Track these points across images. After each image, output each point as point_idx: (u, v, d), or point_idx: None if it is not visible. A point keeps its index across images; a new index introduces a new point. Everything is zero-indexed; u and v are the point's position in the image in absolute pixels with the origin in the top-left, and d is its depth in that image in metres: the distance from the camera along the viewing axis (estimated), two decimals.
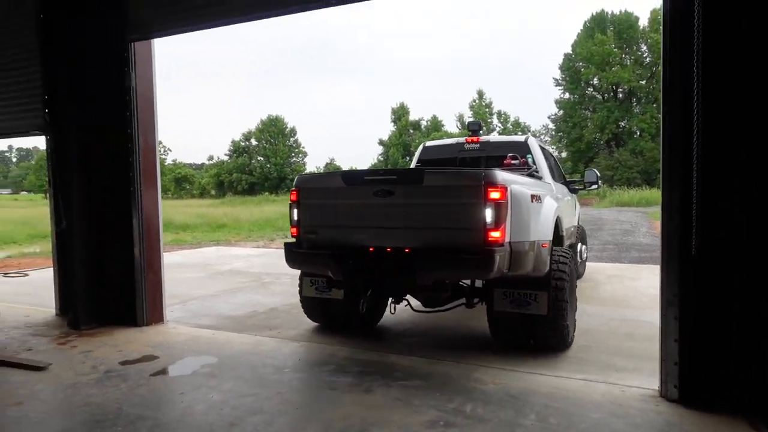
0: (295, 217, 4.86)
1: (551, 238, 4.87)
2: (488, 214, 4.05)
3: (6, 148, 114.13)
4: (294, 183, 4.96)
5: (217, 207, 36.29)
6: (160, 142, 6.31)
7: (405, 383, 4.09)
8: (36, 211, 33.77)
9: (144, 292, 5.88)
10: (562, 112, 52.52)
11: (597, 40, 48.30)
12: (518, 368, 4.34)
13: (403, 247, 4.37)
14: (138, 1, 5.66)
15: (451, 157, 7.09)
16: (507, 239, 4.13)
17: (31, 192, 75.71)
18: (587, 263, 9.34)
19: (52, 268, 6.67)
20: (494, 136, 9.25)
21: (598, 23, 50.25)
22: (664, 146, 3.69)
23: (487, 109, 54.53)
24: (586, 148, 49.21)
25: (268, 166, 61.85)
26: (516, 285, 4.56)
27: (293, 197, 4.89)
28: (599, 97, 51.40)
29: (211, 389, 4.00)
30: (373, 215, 4.52)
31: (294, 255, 4.89)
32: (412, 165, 7.46)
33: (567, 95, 52.35)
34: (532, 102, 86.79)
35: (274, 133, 63.49)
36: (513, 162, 6.18)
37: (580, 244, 8.33)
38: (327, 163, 61.41)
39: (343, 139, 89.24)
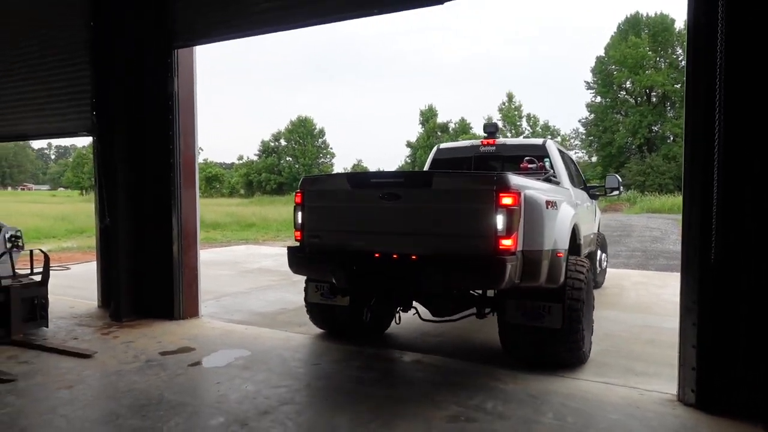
0: (300, 221, 4.71)
1: (567, 247, 4.57)
2: (500, 221, 3.86)
3: (45, 146, 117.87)
4: (299, 184, 4.83)
5: (246, 206, 36.99)
6: None
7: (428, 380, 4.28)
8: (73, 207, 34.96)
9: (181, 288, 6.18)
10: (593, 116, 51.79)
11: (631, 42, 47.53)
12: (538, 370, 4.45)
13: (410, 253, 4.18)
14: (183, 11, 5.98)
15: (466, 159, 6.88)
16: (519, 247, 3.97)
17: (68, 188, 78.19)
18: (610, 270, 9.33)
19: (91, 263, 7.06)
20: (511, 139, 8.90)
21: (632, 25, 49.46)
22: (686, 157, 3.79)
23: (516, 112, 54.16)
24: (618, 153, 48.45)
25: (297, 166, 62.58)
26: (529, 296, 4.31)
27: (298, 199, 4.74)
28: (632, 100, 50.57)
29: (245, 380, 4.25)
30: (379, 220, 4.37)
31: (297, 260, 4.73)
32: (426, 167, 7.26)
33: (599, 99, 51.64)
34: (563, 105, 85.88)
35: (303, 134, 64.24)
36: (530, 166, 6.05)
37: (599, 252, 8.10)
38: (354, 164, 61.89)
39: (372, 142, 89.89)
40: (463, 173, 5.53)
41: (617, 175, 8.12)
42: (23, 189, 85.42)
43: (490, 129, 7.08)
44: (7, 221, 6.23)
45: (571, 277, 4.42)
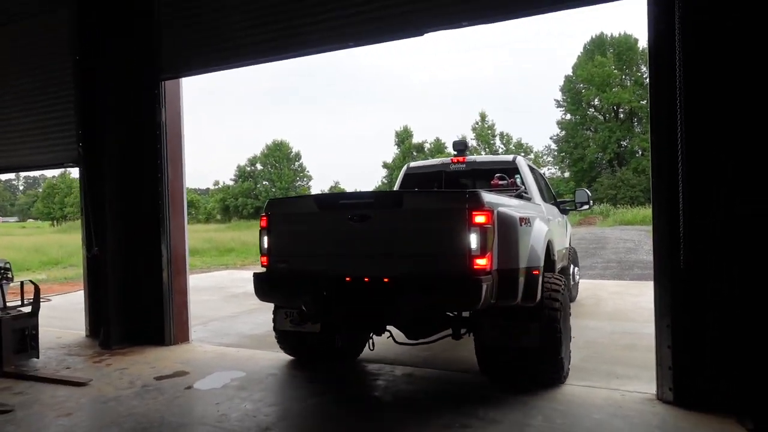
0: (266, 245, 4.54)
1: (542, 264, 4.44)
2: (473, 240, 3.77)
3: (13, 177, 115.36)
4: (264, 208, 4.68)
5: (224, 232, 36.80)
6: None
7: (420, 390, 4.47)
8: (45, 238, 34.33)
9: (171, 313, 6.26)
10: (564, 132, 53.19)
11: (597, 62, 49.25)
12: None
13: (382, 276, 4.03)
14: (170, 43, 6.17)
15: (437, 178, 6.78)
16: (495, 266, 3.88)
17: (38, 220, 76.56)
18: (589, 281, 9.66)
19: (71, 293, 7.07)
20: (481, 156, 8.67)
21: (597, 46, 51.31)
22: (653, 171, 4.11)
23: (489, 131, 55.19)
24: (589, 168, 49.74)
25: (273, 190, 62.50)
26: (505, 315, 4.19)
27: (263, 223, 4.58)
28: (600, 117, 52.11)
29: (243, 399, 4.35)
30: (348, 242, 4.20)
31: (264, 286, 4.54)
32: (396, 187, 7.13)
33: (568, 116, 53.09)
34: (535, 124, 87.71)
35: (279, 158, 64.32)
36: (501, 182, 5.98)
37: (572, 266, 8.11)
38: (332, 186, 62.09)
39: (349, 164, 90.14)
40: (434, 192, 5.43)
41: (587, 190, 8.18)
42: None
43: (460, 146, 6.95)
44: None
45: (547, 294, 4.32)
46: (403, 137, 59.27)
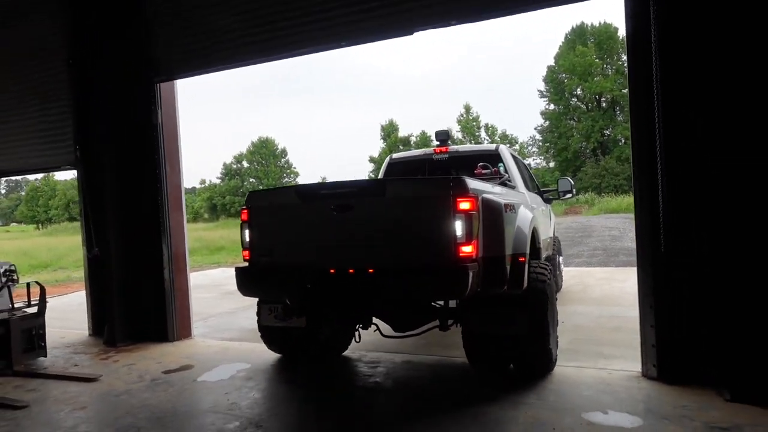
0: (247, 239, 4.49)
1: (528, 251, 4.37)
2: (458, 227, 3.72)
3: None
4: (245, 200, 4.60)
5: (213, 230, 36.81)
6: None
7: (421, 377, 4.71)
8: (32, 242, 34.09)
9: (174, 310, 6.42)
10: (548, 123, 53.71)
11: (578, 51, 49.72)
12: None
13: (367, 266, 3.97)
14: (164, 46, 6.30)
15: (420, 168, 6.80)
16: (480, 254, 3.81)
17: (22, 223, 75.62)
18: (576, 268, 9.97)
19: (67, 295, 7.20)
20: (464, 146, 8.38)
21: (578, 35, 51.77)
22: (633, 159, 4.37)
23: (474, 123, 55.53)
24: (573, 157, 50.30)
25: (260, 187, 62.37)
26: (492, 303, 4.14)
27: (244, 216, 4.52)
28: (583, 107, 52.66)
29: (251, 389, 4.56)
30: (331, 233, 4.13)
31: (246, 281, 4.48)
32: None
33: (552, 106, 53.59)
34: (519, 114, 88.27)
35: (265, 155, 64.20)
36: (484, 171, 5.99)
37: (557, 256, 8.10)
38: (319, 181, 62.15)
39: (336, 159, 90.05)
40: (418, 179, 5.39)
41: (569, 179, 8.15)
42: None
43: (442, 136, 6.94)
44: None
45: (533, 280, 4.29)
46: (389, 131, 59.39)
